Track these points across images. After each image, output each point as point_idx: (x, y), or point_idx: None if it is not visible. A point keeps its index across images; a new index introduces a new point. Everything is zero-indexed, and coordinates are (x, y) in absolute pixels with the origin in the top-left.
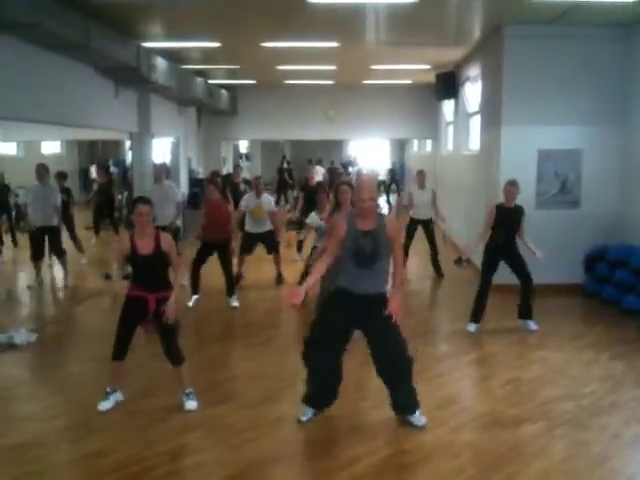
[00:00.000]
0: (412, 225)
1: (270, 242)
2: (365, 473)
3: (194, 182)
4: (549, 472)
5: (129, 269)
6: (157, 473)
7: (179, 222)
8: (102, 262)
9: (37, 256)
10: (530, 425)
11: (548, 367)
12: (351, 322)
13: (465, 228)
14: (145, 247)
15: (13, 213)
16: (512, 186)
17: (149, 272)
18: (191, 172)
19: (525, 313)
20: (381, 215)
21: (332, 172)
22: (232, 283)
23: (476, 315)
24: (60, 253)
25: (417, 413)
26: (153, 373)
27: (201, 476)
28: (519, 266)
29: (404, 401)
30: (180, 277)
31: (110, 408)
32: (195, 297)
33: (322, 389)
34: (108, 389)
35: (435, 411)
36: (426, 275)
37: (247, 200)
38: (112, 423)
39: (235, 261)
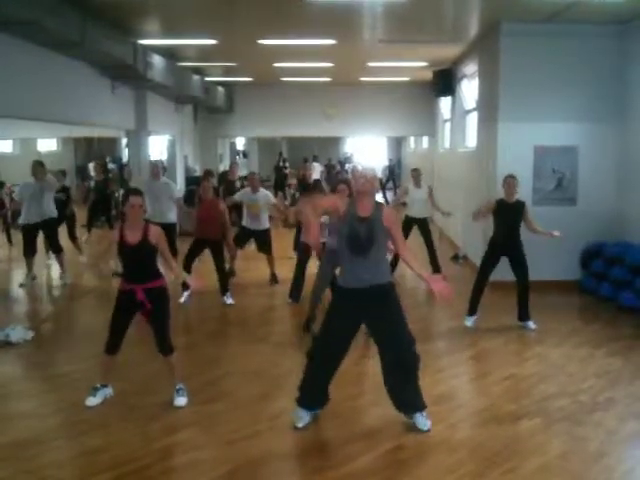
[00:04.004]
0: (407, 223)
1: (263, 241)
2: (362, 470)
3: (190, 180)
4: (546, 468)
5: (119, 268)
6: (153, 471)
7: (174, 219)
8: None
9: (29, 252)
10: (527, 421)
11: (545, 363)
12: (357, 320)
13: (462, 225)
14: (133, 237)
15: (8, 211)
16: (512, 178)
17: (136, 262)
18: (187, 170)
19: (524, 315)
20: (378, 204)
21: (329, 169)
22: (226, 281)
23: (472, 308)
24: (57, 249)
25: (424, 415)
26: (149, 370)
27: (196, 474)
28: (519, 265)
29: (411, 398)
30: (175, 266)
31: (98, 403)
32: (186, 293)
33: (318, 389)
34: (97, 384)
35: (433, 407)
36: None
37: (243, 194)
38: (108, 420)
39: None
